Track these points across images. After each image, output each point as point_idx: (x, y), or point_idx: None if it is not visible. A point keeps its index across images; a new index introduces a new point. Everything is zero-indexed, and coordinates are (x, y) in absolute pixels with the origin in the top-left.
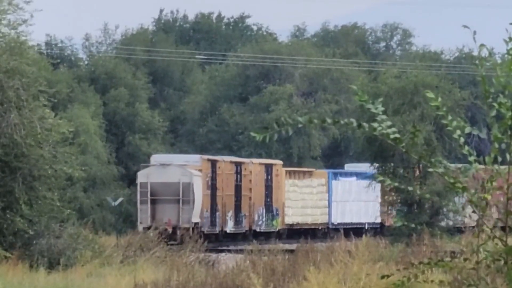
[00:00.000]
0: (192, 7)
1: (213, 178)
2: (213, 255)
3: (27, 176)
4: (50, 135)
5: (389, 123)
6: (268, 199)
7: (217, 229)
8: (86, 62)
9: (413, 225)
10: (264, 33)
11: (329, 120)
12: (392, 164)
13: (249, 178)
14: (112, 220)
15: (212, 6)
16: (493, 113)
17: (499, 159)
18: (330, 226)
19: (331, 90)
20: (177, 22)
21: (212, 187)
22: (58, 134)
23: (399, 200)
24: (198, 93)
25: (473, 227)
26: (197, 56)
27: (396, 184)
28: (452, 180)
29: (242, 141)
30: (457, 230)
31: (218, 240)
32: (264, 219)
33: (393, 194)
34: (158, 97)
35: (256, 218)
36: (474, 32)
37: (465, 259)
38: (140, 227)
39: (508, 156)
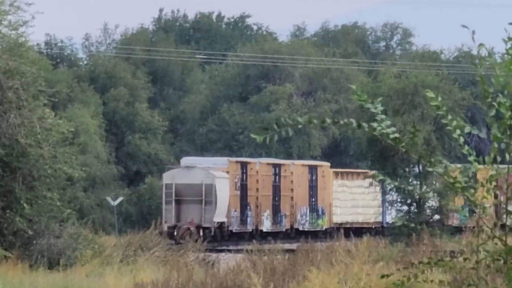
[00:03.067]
0: (192, 6)
1: (243, 179)
2: (213, 255)
3: (27, 176)
4: (50, 135)
5: (388, 122)
6: (313, 199)
7: (250, 228)
8: (85, 62)
9: (412, 225)
10: (264, 32)
11: (328, 120)
12: (392, 164)
13: (290, 179)
14: (112, 220)
15: (212, 5)
16: (493, 112)
17: (499, 158)
18: (385, 225)
19: (331, 89)
20: (177, 21)
21: (242, 188)
22: (58, 134)
23: (399, 200)
24: (198, 92)
25: (473, 226)
26: (197, 56)
27: (396, 183)
28: (451, 180)
29: (242, 141)
30: (457, 230)
31: (251, 239)
32: (308, 218)
33: (393, 193)
34: (158, 97)
35: (298, 217)
36: (473, 32)
37: (465, 259)
38: (164, 226)
39: (507, 156)
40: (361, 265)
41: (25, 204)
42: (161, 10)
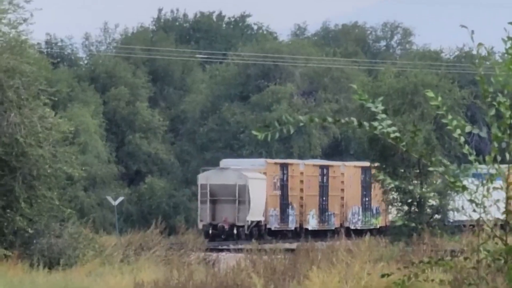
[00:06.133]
0: (192, 6)
1: (284, 179)
2: (214, 254)
3: (27, 175)
4: (50, 134)
5: (389, 122)
6: (366, 199)
7: (292, 226)
8: (86, 61)
9: (413, 224)
10: (265, 32)
11: (329, 119)
12: (393, 163)
13: (340, 179)
14: (113, 220)
15: (212, 5)
16: (493, 112)
17: (499, 158)
18: (446, 223)
19: (332, 89)
20: (177, 21)
21: (283, 188)
22: (58, 133)
23: (399, 199)
24: (199, 92)
25: (473, 226)
26: (197, 55)
27: (397, 183)
28: (452, 179)
29: (243, 140)
30: (458, 229)
31: (294, 237)
32: (360, 217)
33: (393, 193)
34: (158, 96)
35: (350, 216)
36: (472, 32)
37: (465, 258)
38: (200, 225)
39: (508, 155)
40: (362, 264)
41: (23, 204)
42: (160, 10)
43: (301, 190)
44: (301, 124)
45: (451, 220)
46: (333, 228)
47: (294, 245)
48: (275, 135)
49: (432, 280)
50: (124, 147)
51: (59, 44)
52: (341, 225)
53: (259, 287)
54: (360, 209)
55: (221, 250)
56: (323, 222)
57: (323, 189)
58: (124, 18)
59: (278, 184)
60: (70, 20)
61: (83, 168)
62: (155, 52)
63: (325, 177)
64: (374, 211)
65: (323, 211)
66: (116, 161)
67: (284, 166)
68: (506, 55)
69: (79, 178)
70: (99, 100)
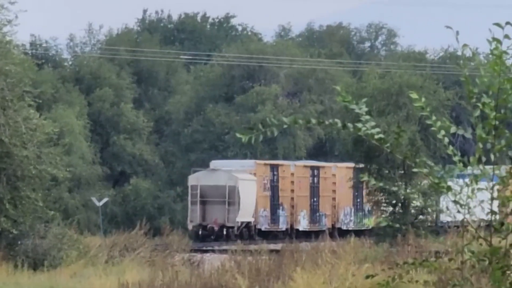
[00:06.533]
0: (177, 7)
1: (274, 180)
2: (198, 255)
3: (11, 176)
4: (34, 136)
5: (373, 123)
6: (358, 200)
7: (283, 227)
8: (70, 62)
9: (397, 225)
10: (249, 33)
11: (314, 121)
12: (377, 164)
13: (331, 180)
14: (97, 221)
15: (197, 6)
16: (477, 113)
17: (484, 159)
18: (439, 224)
19: (316, 90)
20: (162, 22)
21: (273, 189)
22: (43, 135)
23: (383, 200)
24: (183, 93)
25: (457, 226)
26: (181, 56)
27: (381, 184)
28: (436, 180)
29: (228, 141)
30: (443, 230)
31: (285, 237)
32: (352, 218)
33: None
34: (143, 97)
35: (341, 217)
36: (457, 32)
37: (449, 259)
38: (190, 226)
39: (492, 156)
40: (346, 265)
41: (7, 205)
42: (145, 11)
43: (292, 191)
44: (285, 126)
45: (444, 221)
46: (324, 228)
47: (279, 246)
48: (259, 137)
49: (417, 281)
50: (109, 148)
51: (44, 45)
52: (333, 226)
53: None
54: (352, 210)
55: (206, 251)
56: (314, 223)
57: (314, 190)
58: (108, 19)
59: (269, 185)
60: (54, 22)
61: (68, 169)
62: (140, 53)
63: (316, 178)
64: (366, 212)
65: (314, 211)
66: (101, 162)
67: (274, 167)
68: (490, 56)
69: (64, 179)
70: (84, 101)
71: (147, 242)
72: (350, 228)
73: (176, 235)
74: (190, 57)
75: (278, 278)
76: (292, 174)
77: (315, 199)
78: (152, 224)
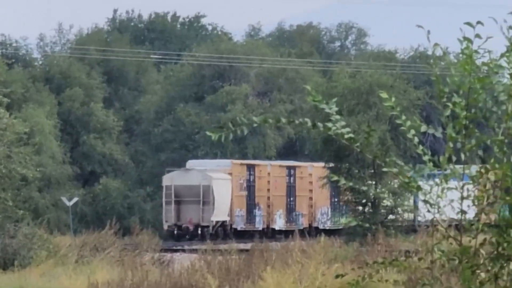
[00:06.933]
0: (147, 6)
1: (250, 180)
2: (168, 255)
3: None
4: (4, 135)
5: (343, 123)
6: (336, 199)
7: (259, 226)
8: (40, 62)
9: (367, 225)
10: (219, 32)
11: (284, 120)
12: (347, 164)
13: (308, 180)
14: (67, 220)
15: (166, 5)
16: (448, 112)
17: (454, 158)
18: (416, 223)
19: (286, 90)
20: (132, 22)
21: (249, 188)
22: (13, 134)
23: (353, 200)
24: (153, 92)
25: (427, 226)
26: (152, 56)
27: (351, 184)
28: (406, 180)
29: (198, 141)
30: (412, 230)
31: (261, 237)
32: (330, 217)
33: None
34: (113, 97)
35: (318, 216)
36: (428, 32)
37: (419, 259)
38: (165, 225)
39: (462, 156)
40: (316, 265)
41: None
42: (115, 11)
43: (268, 190)
44: (255, 125)
45: (423, 221)
46: (301, 228)
47: (249, 246)
48: (229, 136)
49: (386, 281)
50: (79, 147)
51: (14, 44)
52: (310, 225)
53: None
54: (329, 209)
55: (176, 251)
56: (290, 222)
57: (291, 190)
58: (79, 19)
59: (245, 184)
60: (24, 21)
61: (38, 169)
62: (110, 53)
63: (292, 178)
64: (344, 211)
65: (290, 211)
66: (71, 161)
67: (250, 167)
68: (461, 55)
69: (34, 179)
70: (54, 100)
71: (117, 241)
72: (327, 227)
73: (146, 234)
74: (160, 56)
75: (248, 278)
76: (269, 174)
77: (291, 199)
78: (122, 223)
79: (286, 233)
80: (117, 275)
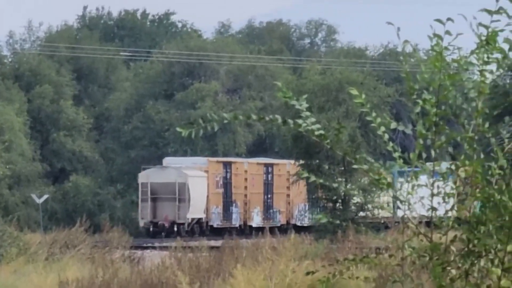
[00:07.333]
0: (117, 3)
1: (227, 177)
2: (138, 252)
3: None
4: None
5: (313, 119)
6: (313, 196)
7: (236, 223)
8: (10, 59)
9: (338, 222)
10: (189, 29)
11: (254, 117)
12: (317, 161)
13: (285, 177)
14: (37, 218)
15: (136, 3)
16: (418, 109)
17: (424, 155)
18: (395, 220)
19: (256, 87)
20: (102, 19)
21: (226, 186)
22: None
23: (324, 197)
24: (123, 90)
25: (397, 223)
26: (121, 53)
27: (321, 181)
28: (377, 177)
29: (168, 138)
30: (384, 227)
31: (239, 234)
32: (307, 214)
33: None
34: (83, 94)
35: (296, 213)
36: (398, 29)
37: (390, 256)
38: (141, 223)
39: (433, 153)
40: (286, 262)
41: None
42: (85, 8)
43: (245, 188)
44: (226, 121)
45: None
46: (278, 225)
47: (219, 243)
48: (199, 132)
49: (357, 278)
50: (49, 145)
51: None
52: (288, 222)
53: (184, 285)
54: (307, 206)
55: (146, 248)
56: (268, 219)
57: (268, 187)
58: (48, 16)
59: (221, 182)
60: None
61: (8, 166)
62: (80, 50)
63: (270, 175)
64: (321, 208)
65: (268, 208)
66: (41, 159)
67: (227, 165)
68: (431, 52)
69: (4, 176)
70: (24, 98)
71: (88, 239)
72: (305, 224)
73: (116, 231)
74: (130, 54)
75: (219, 275)
76: (246, 171)
77: (269, 196)
78: (92, 221)
79: (264, 230)
80: (88, 272)
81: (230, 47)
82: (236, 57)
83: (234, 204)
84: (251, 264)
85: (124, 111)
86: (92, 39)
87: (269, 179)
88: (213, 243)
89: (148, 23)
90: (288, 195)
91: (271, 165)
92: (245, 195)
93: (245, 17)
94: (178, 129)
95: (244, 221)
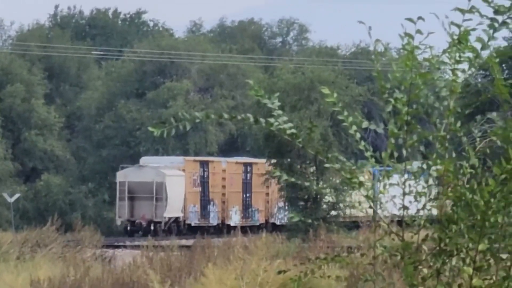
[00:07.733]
0: (88, 2)
1: (204, 176)
2: (110, 251)
3: None
4: None
5: (285, 118)
6: (293, 195)
7: (214, 222)
8: None
9: (309, 221)
10: (161, 28)
11: (226, 115)
12: (289, 160)
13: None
14: (9, 216)
15: (108, 2)
16: (389, 108)
17: (396, 154)
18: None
19: (228, 85)
20: (73, 18)
21: (203, 185)
22: None
23: (296, 196)
24: (95, 89)
25: (369, 221)
26: (93, 52)
27: (293, 179)
28: (348, 176)
29: (139, 137)
30: (355, 226)
31: (216, 233)
32: (286, 213)
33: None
34: (54, 93)
35: (275, 212)
36: (369, 28)
37: (361, 254)
38: (118, 221)
39: (404, 152)
40: (258, 261)
41: None
42: (57, 7)
43: (223, 187)
44: (198, 120)
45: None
46: (257, 224)
47: (190, 242)
48: (171, 131)
49: (329, 277)
50: (20, 144)
51: None
52: (267, 221)
53: (156, 284)
54: (286, 205)
55: (118, 247)
56: (246, 218)
57: (247, 186)
58: (19, 15)
59: (198, 181)
60: None
61: None
62: (51, 49)
63: (248, 174)
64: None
65: (246, 207)
66: (12, 158)
67: (204, 164)
68: (402, 51)
69: None
70: None
71: (59, 238)
72: (284, 223)
73: (88, 231)
74: (102, 52)
75: (190, 274)
76: (224, 170)
77: (247, 195)
78: (64, 220)
79: (243, 229)
80: (59, 271)
81: (202, 46)
82: (208, 56)
83: (211, 203)
84: (222, 263)
85: (95, 110)
86: (64, 38)
87: (248, 178)
88: (184, 242)
89: (120, 22)
90: (267, 194)
91: (250, 164)
92: (223, 194)
93: (216, 16)
94: (150, 128)
95: (222, 220)
